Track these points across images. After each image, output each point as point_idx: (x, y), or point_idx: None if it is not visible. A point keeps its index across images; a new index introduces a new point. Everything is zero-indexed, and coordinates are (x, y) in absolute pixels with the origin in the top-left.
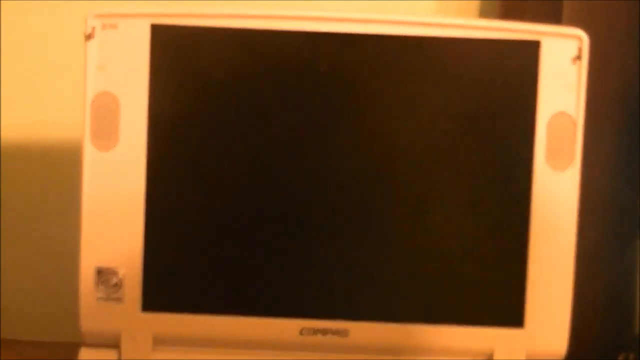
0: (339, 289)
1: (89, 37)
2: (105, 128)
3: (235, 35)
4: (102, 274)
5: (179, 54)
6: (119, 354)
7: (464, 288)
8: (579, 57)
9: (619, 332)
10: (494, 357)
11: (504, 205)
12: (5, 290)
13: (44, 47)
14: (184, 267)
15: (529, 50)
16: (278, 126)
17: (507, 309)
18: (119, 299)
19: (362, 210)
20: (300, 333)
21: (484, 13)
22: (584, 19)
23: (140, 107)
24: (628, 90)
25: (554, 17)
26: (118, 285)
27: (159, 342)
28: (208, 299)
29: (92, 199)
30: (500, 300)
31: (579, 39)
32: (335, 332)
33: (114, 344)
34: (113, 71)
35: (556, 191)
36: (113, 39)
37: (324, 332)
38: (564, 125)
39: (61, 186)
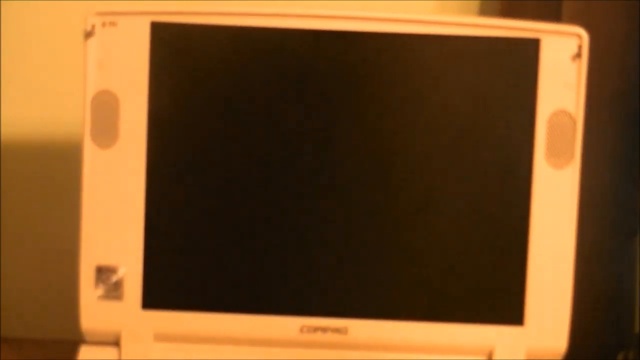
0: (338, 287)
1: (89, 35)
2: (106, 126)
3: (235, 33)
4: (102, 272)
5: (178, 51)
6: (119, 351)
7: (464, 286)
8: (578, 55)
9: (618, 330)
10: (494, 355)
11: (504, 203)
12: (5, 288)
13: (44, 46)
14: (184, 265)
15: (529, 48)
16: (278, 124)
17: (507, 307)
18: (119, 297)
19: (361, 208)
20: (301, 331)
21: (484, 13)
22: (583, 19)
23: (140, 105)
24: (627, 88)
25: (553, 16)
26: (118, 283)
27: (159, 339)
28: (208, 297)
29: (92, 197)
30: (500, 298)
31: (579, 36)
32: (335, 330)
33: (114, 341)
34: (113, 69)
35: (556, 189)
36: (113, 36)
37: (324, 329)
38: (563, 123)
39: (61, 184)
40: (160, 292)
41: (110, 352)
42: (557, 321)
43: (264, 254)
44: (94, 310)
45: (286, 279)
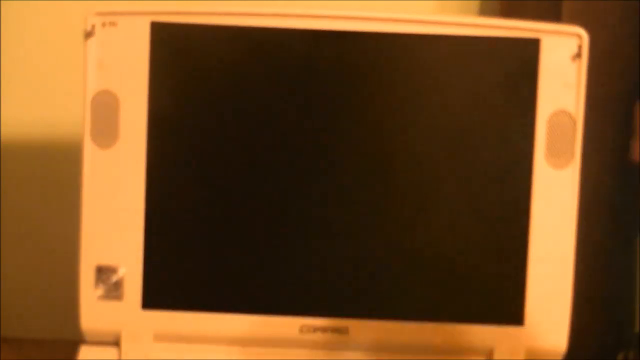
0: (338, 287)
1: (88, 35)
2: (105, 126)
3: (235, 33)
4: (102, 272)
5: (178, 51)
6: (119, 351)
7: (464, 286)
8: (578, 55)
9: (618, 330)
10: (494, 355)
11: (504, 203)
12: (5, 288)
13: (44, 46)
14: (184, 265)
15: (529, 48)
16: (278, 124)
17: (507, 307)
18: (119, 297)
19: (362, 208)
20: (300, 331)
21: (484, 13)
22: (583, 19)
23: (140, 105)
24: (627, 88)
25: (553, 16)
26: (118, 283)
27: (159, 339)
28: (208, 297)
29: (92, 197)
30: (500, 298)
31: (579, 36)
32: (335, 330)
33: (114, 341)
34: (113, 69)
35: (556, 189)
36: (113, 36)
37: (324, 329)
38: (563, 123)
39: (61, 184)
40: (160, 292)
41: (110, 352)
42: (557, 321)
43: (263, 254)
44: (94, 310)
45: (286, 279)
